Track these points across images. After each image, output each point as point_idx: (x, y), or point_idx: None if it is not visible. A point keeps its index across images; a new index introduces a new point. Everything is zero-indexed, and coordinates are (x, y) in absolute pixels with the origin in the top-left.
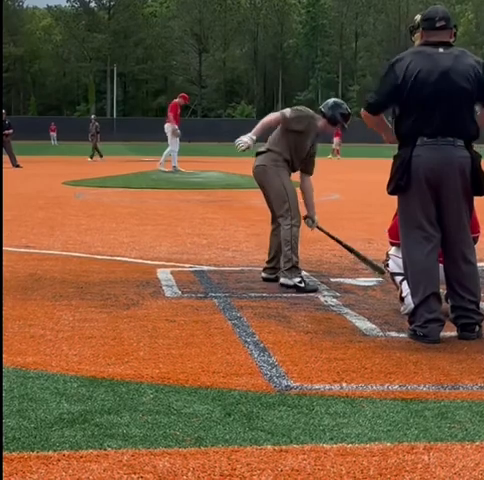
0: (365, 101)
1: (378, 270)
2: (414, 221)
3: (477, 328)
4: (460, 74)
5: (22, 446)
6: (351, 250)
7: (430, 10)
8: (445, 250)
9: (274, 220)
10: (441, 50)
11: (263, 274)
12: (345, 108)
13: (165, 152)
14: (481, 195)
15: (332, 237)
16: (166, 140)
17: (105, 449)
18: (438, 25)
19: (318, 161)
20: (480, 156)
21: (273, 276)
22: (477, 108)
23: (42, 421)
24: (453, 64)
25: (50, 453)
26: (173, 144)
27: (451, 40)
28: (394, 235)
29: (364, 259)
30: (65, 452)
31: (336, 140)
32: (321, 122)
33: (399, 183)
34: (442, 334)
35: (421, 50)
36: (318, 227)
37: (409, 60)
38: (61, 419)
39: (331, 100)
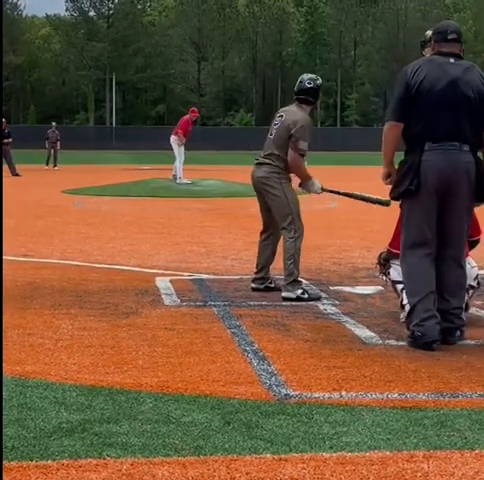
0: (388, 113)
1: (385, 202)
2: (416, 225)
3: (458, 332)
4: (468, 84)
5: (21, 455)
6: (355, 196)
7: (442, 23)
8: (440, 252)
9: (265, 230)
10: (452, 60)
11: (252, 285)
12: (318, 84)
13: (177, 166)
14: (481, 201)
15: (339, 193)
16: (164, 149)
17: (104, 458)
18: (449, 37)
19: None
20: (482, 161)
21: (262, 286)
22: None
23: (41, 430)
24: (462, 74)
25: (49, 462)
26: (181, 155)
27: (461, 54)
28: (397, 246)
29: (369, 198)
30: (64, 461)
31: None
32: (309, 110)
33: (409, 188)
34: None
35: (432, 59)
36: (323, 189)
37: (419, 67)
38: (60, 428)
39: (306, 84)
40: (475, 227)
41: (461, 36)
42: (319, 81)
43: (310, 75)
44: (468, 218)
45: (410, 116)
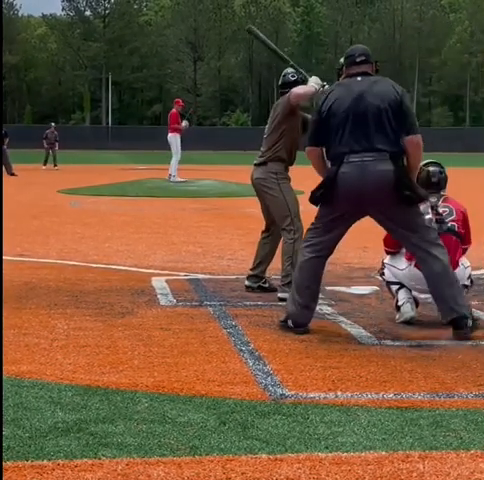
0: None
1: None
2: (321, 230)
3: (469, 322)
4: (375, 95)
5: (17, 455)
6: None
7: (351, 48)
8: (412, 253)
9: (266, 229)
10: (359, 79)
11: (246, 282)
12: (300, 77)
13: (172, 163)
14: (411, 205)
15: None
16: (161, 148)
17: (100, 458)
18: (358, 60)
19: (304, 170)
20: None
21: (255, 285)
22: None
23: (37, 430)
24: (368, 87)
25: (45, 462)
26: (178, 153)
27: (371, 72)
28: (390, 244)
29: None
30: (60, 461)
31: None
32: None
33: (322, 198)
34: (436, 342)
35: (341, 82)
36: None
37: (331, 92)
38: (56, 428)
39: (290, 78)
40: (466, 236)
41: (370, 57)
42: (302, 75)
43: (292, 69)
44: (416, 216)
45: (327, 138)
